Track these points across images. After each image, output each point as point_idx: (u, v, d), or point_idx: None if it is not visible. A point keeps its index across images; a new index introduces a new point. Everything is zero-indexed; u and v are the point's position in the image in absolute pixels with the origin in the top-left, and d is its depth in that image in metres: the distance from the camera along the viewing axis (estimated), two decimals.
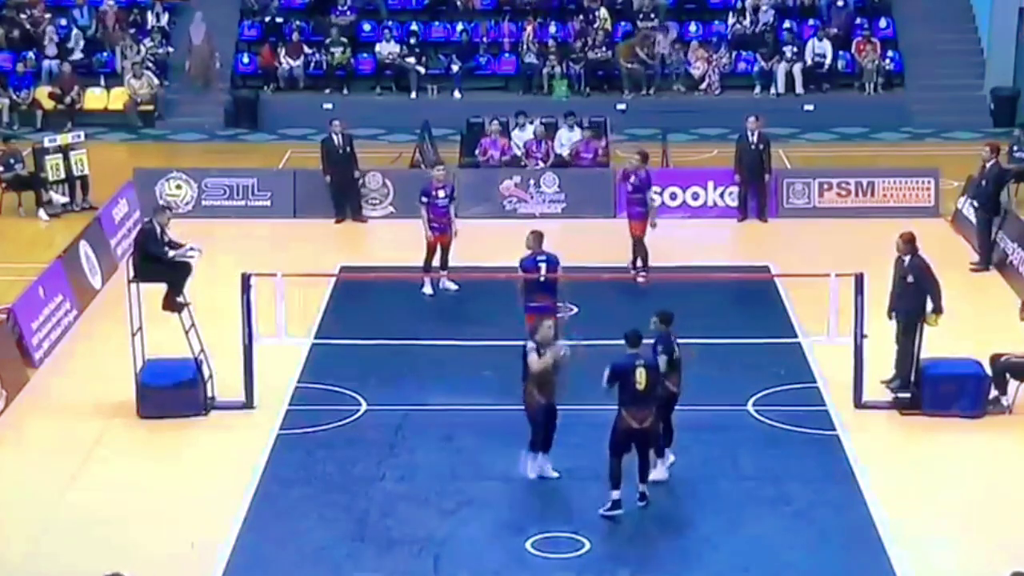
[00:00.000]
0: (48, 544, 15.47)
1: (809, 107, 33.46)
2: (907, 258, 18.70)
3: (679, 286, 21.19)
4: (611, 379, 15.59)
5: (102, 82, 34.15)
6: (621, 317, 20.80)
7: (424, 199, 22.38)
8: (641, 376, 15.55)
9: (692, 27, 35.23)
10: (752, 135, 26.64)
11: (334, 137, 26.79)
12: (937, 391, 18.22)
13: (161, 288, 18.52)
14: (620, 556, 15.14)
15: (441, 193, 22.50)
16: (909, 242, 18.76)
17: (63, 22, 35.29)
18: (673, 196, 26.88)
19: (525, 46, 34.25)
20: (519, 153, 27.92)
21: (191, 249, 18.73)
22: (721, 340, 20.16)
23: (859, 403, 18.45)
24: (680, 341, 16.65)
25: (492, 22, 35.38)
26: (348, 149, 26.78)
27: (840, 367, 18.50)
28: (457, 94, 34.00)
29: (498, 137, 27.90)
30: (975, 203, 24.30)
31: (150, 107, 33.59)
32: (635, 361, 15.64)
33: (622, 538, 15.45)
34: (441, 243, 22.39)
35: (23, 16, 35.09)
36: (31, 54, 34.19)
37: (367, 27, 35.29)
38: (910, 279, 18.57)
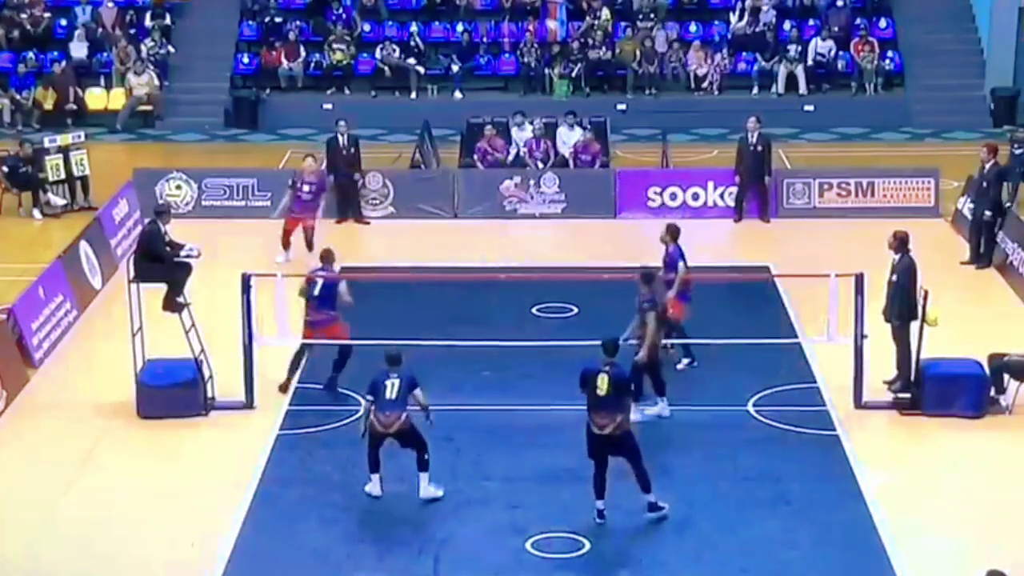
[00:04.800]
0: (48, 544, 15.47)
1: (809, 107, 33.46)
2: (897, 257, 18.72)
3: None
4: (580, 384, 15.59)
5: (102, 82, 34.17)
6: (621, 317, 20.91)
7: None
8: (603, 383, 15.41)
9: (692, 27, 35.24)
10: (752, 136, 26.65)
11: (339, 138, 26.80)
12: (937, 391, 18.21)
13: (161, 288, 18.53)
14: (620, 556, 15.15)
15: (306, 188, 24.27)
16: (900, 241, 18.75)
17: (63, 22, 35.33)
18: (673, 196, 26.90)
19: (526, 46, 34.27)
20: (522, 153, 27.93)
21: (191, 250, 18.73)
22: (721, 340, 20.15)
23: (859, 403, 18.45)
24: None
25: (492, 22, 35.38)
26: (353, 150, 26.78)
27: (840, 367, 18.50)
28: (457, 94, 34.01)
29: (495, 139, 27.91)
30: (973, 203, 24.35)
31: (149, 107, 33.62)
32: (598, 368, 15.50)
33: (622, 538, 15.45)
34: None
35: (23, 16, 35.11)
36: (31, 54, 34.19)
37: (367, 27, 35.29)
38: (894, 278, 18.59)
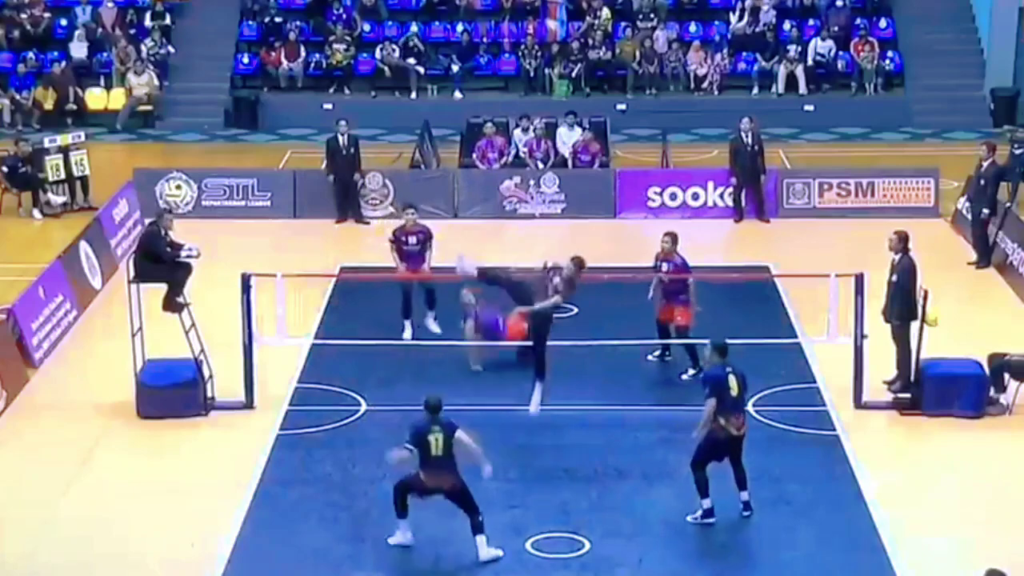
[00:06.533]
0: (47, 544, 15.46)
1: (809, 107, 33.47)
2: (897, 257, 18.72)
3: None
4: (710, 392, 15.62)
5: (102, 82, 34.17)
6: (621, 317, 20.90)
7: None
8: (734, 383, 15.59)
9: (692, 27, 35.24)
10: (746, 136, 26.67)
11: (339, 137, 26.80)
12: (937, 391, 18.21)
13: (161, 288, 18.53)
14: (620, 556, 15.13)
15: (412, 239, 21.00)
16: (902, 240, 18.75)
17: (63, 22, 35.34)
18: (673, 196, 26.92)
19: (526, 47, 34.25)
20: (522, 153, 27.93)
21: (191, 250, 18.74)
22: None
23: (859, 403, 18.45)
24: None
25: (492, 22, 35.39)
26: (352, 150, 26.78)
27: (840, 367, 18.50)
28: (457, 94, 34.01)
29: (495, 137, 27.92)
30: (971, 202, 24.38)
31: (149, 107, 33.63)
32: (726, 370, 15.74)
33: (622, 538, 15.45)
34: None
35: (23, 16, 35.12)
36: (31, 54, 34.20)
37: (367, 27, 35.29)
38: (894, 278, 18.59)
